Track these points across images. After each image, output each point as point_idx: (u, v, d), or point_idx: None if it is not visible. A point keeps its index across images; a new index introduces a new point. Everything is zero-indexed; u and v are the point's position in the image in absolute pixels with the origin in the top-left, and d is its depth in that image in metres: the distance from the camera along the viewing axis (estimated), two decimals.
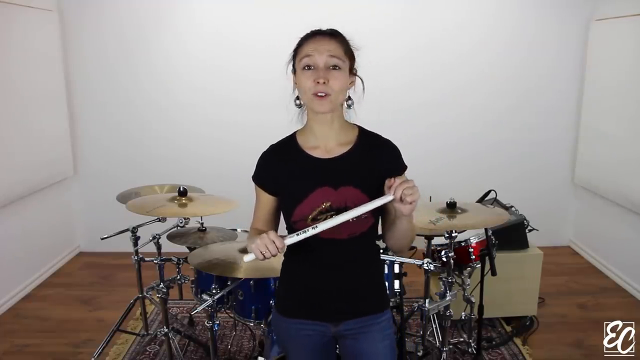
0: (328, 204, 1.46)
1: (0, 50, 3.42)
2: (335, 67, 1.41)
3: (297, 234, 1.39)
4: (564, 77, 4.31)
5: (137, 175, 3.68)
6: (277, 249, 1.36)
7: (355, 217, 1.39)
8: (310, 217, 1.46)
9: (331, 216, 1.44)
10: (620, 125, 3.79)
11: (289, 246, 1.45)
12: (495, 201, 3.08)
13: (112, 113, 4.31)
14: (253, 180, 1.57)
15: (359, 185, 1.46)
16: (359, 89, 1.52)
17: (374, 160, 1.50)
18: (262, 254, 1.36)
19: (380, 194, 1.47)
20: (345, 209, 1.44)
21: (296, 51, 1.46)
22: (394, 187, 1.32)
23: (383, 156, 1.52)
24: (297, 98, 1.50)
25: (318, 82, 1.39)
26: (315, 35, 1.45)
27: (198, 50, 4.19)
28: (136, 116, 4.31)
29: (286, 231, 1.54)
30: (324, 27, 1.49)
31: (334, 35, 1.45)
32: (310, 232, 1.37)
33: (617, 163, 3.81)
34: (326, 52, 1.40)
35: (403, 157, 1.56)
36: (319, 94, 1.40)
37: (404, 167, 1.55)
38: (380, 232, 1.62)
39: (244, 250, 2.30)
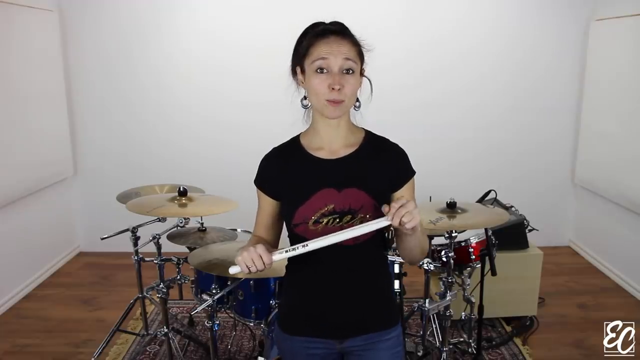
0: (331, 207, 1.40)
1: (0, 50, 3.43)
2: (349, 70, 1.35)
3: (286, 251, 1.32)
4: (564, 77, 4.31)
5: (137, 175, 3.68)
6: (264, 264, 1.30)
7: (348, 239, 1.31)
8: (312, 219, 1.40)
9: (334, 219, 1.40)
10: (620, 125, 3.79)
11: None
12: (495, 201, 3.08)
13: (112, 113, 4.31)
14: (255, 184, 1.51)
15: (364, 187, 1.40)
16: (366, 91, 1.46)
17: (380, 163, 1.44)
18: (247, 267, 1.31)
19: (385, 198, 1.43)
20: (349, 211, 1.40)
21: (306, 50, 1.37)
22: (392, 214, 1.24)
23: (390, 160, 1.46)
24: (305, 98, 1.44)
25: (333, 89, 1.33)
26: (327, 34, 1.35)
27: (198, 50, 4.19)
28: (136, 116, 4.31)
29: (287, 238, 1.51)
30: (327, 21, 1.42)
31: (346, 34, 1.37)
32: (300, 250, 1.31)
33: (617, 163, 3.81)
34: (341, 55, 1.33)
35: None
36: (334, 101, 1.35)
37: (412, 173, 1.48)
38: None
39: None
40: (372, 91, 1.46)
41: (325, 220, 1.40)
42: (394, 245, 2.43)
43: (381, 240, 1.53)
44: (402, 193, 1.46)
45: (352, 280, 1.47)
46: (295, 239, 1.43)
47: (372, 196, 1.41)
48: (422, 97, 4.26)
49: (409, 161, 1.49)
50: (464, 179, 4.32)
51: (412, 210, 1.24)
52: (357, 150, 1.45)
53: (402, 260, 2.41)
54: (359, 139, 1.48)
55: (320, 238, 1.31)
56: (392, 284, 2.31)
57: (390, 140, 1.51)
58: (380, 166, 1.44)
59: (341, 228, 1.38)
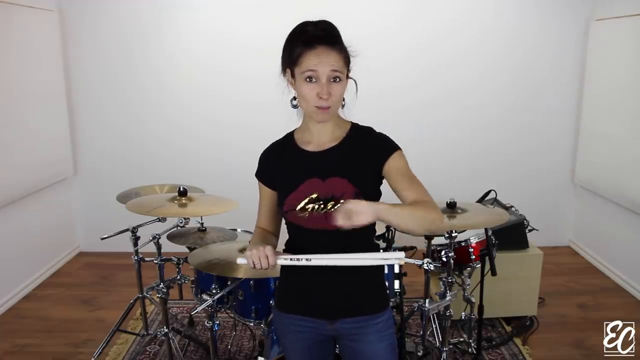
0: (315, 195, 1.51)
1: (0, 50, 3.42)
2: (336, 79, 1.44)
3: (291, 259, 1.46)
4: (564, 77, 4.31)
5: (137, 175, 3.68)
6: (268, 264, 1.43)
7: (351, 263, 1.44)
8: (298, 207, 1.51)
9: (319, 207, 1.50)
10: (620, 125, 3.79)
11: (287, 240, 1.60)
12: (495, 201, 3.08)
13: (112, 113, 4.31)
14: (255, 176, 1.64)
15: (345, 175, 1.50)
16: (351, 91, 1.53)
17: (361, 151, 1.53)
18: (253, 264, 1.44)
19: (370, 184, 1.51)
20: (332, 198, 1.49)
21: (296, 59, 1.44)
22: (342, 222, 1.30)
23: (369, 145, 1.53)
24: (294, 98, 1.52)
25: (321, 97, 1.42)
26: (315, 44, 1.42)
27: (198, 50, 4.19)
28: (136, 116, 4.31)
29: (285, 226, 1.60)
30: (317, 19, 1.47)
31: (334, 44, 1.44)
32: (303, 262, 1.44)
33: (617, 163, 3.81)
34: (329, 67, 1.42)
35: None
36: (321, 108, 1.44)
37: (393, 147, 1.52)
38: (377, 229, 1.62)
39: (244, 250, 2.30)
40: (357, 90, 1.53)
41: (311, 207, 1.51)
42: (394, 245, 2.43)
43: (372, 227, 1.60)
44: (390, 166, 1.49)
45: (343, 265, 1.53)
46: (289, 225, 1.58)
47: (354, 184, 1.49)
48: (422, 96, 4.26)
49: (389, 140, 1.55)
50: (464, 179, 4.32)
51: (348, 208, 1.29)
52: (340, 143, 1.55)
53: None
54: (344, 132, 1.57)
55: (325, 256, 1.44)
56: (383, 270, 2.33)
57: (375, 129, 1.58)
58: (360, 154, 1.53)
59: (325, 214, 1.48)
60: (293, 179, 1.53)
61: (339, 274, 1.52)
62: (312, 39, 1.42)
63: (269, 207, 1.64)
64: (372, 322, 1.57)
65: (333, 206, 1.49)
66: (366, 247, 1.60)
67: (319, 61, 1.41)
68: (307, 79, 1.43)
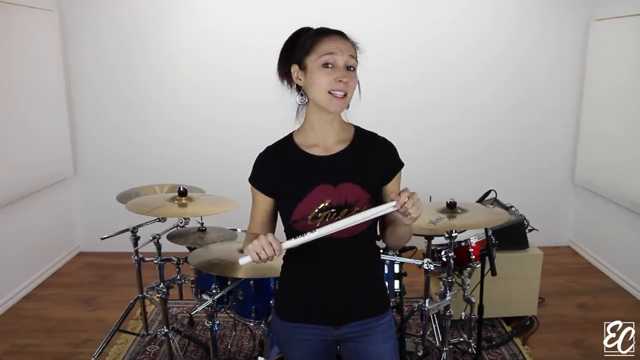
0: (327, 202, 1.44)
1: (0, 50, 3.42)
2: (351, 67, 1.42)
3: (295, 238, 1.36)
4: (564, 77, 4.31)
5: (137, 175, 3.68)
6: (274, 251, 1.34)
7: (355, 223, 1.37)
8: (310, 216, 1.44)
9: (331, 214, 1.44)
10: (620, 125, 3.79)
11: (287, 250, 1.48)
12: (495, 201, 3.08)
13: (112, 113, 4.31)
14: (250, 182, 1.55)
15: (358, 181, 1.46)
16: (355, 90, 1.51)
17: (371, 156, 1.50)
18: (258, 255, 1.33)
19: (379, 190, 1.50)
20: (345, 205, 1.44)
21: (310, 47, 1.41)
22: (401, 202, 1.31)
23: (380, 153, 1.52)
24: (301, 94, 1.48)
25: (340, 81, 1.39)
26: (330, 34, 1.43)
27: (198, 50, 4.19)
28: (136, 116, 4.31)
29: (284, 234, 1.52)
30: (328, 27, 1.47)
31: (345, 36, 1.45)
32: (309, 235, 1.35)
33: (617, 163, 3.81)
34: (347, 52, 1.41)
35: (404, 157, 1.56)
36: (338, 94, 1.40)
37: (400, 164, 1.55)
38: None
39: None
40: (360, 91, 1.51)
41: (323, 215, 1.45)
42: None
43: (374, 232, 1.57)
44: (392, 186, 1.52)
45: (347, 271, 1.52)
46: (293, 235, 1.43)
47: (366, 190, 1.46)
48: (422, 97, 4.26)
49: (397, 154, 1.55)
50: (464, 179, 4.32)
51: (417, 202, 1.32)
52: (349, 146, 1.50)
53: (402, 260, 2.42)
54: (350, 134, 1.53)
55: (328, 224, 1.36)
56: (383, 271, 2.39)
57: (378, 134, 1.57)
58: (372, 160, 1.50)
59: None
60: (301, 185, 1.46)
61: (343, 282, 1.51)
62: (324, 29, 1.44)
63: (263, 214, 1.55)
64: (377, 324, 1.56)
65: (347, 214, 1.43)
66: (370, 251, 1.58)
67: (337, 46, 1.40)
68: (324, 65, 1.39)
